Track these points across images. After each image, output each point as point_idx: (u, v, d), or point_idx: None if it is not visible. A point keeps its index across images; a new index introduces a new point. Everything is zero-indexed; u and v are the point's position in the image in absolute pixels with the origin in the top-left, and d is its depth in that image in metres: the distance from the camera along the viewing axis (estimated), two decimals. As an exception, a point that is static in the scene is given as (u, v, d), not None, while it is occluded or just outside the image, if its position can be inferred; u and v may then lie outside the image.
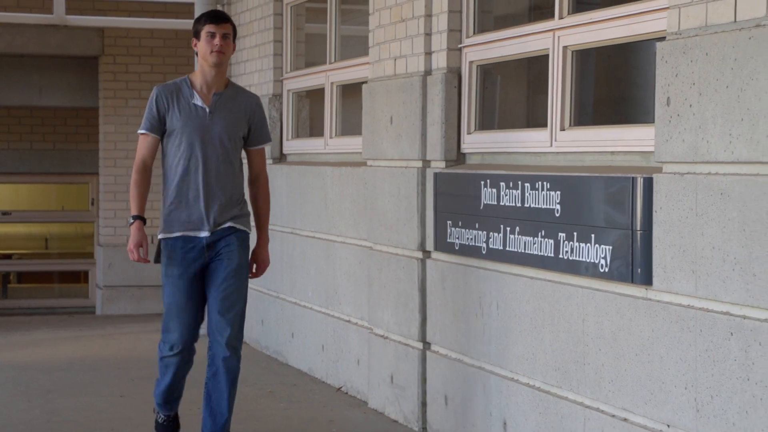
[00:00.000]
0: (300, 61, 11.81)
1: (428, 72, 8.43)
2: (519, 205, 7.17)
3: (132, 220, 7.59)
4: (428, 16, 8.39)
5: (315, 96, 11.46)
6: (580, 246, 6.57)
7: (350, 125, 10.49)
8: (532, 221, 7.03)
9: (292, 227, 11.22)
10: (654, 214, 5.98)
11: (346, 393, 9.84)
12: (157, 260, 7.62)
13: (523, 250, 7.13)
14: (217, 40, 7.40)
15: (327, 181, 10.47)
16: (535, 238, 7.00)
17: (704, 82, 5.59)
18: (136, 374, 10.72)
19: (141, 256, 7.53)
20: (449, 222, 8.05)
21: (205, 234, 7.50)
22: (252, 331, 12.35)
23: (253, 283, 12.25)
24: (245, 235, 7.65)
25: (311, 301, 10.78)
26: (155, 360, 11.44)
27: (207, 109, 7.50)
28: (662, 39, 5.94)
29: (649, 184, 6.02)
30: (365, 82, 9.47)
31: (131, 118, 17.00)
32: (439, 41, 8.30)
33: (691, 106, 5.69)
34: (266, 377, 10.59)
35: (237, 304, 7.57)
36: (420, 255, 8.48)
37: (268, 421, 8.85)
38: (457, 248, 7.96)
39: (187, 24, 13.86)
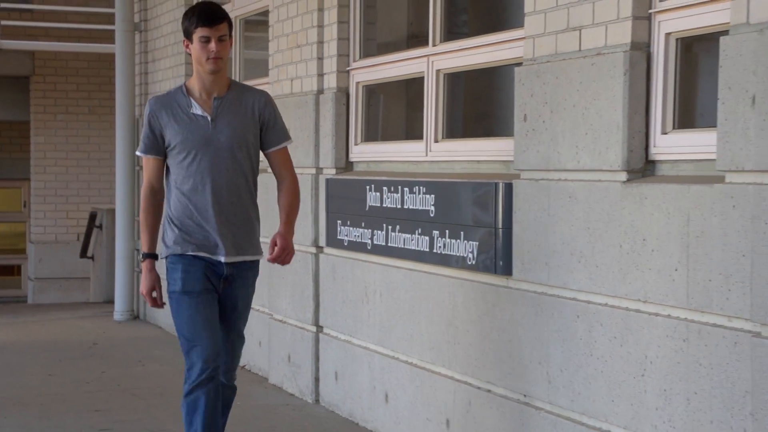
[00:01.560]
0: (209, 81, 11.77)
1: (321, 91, 8.45)
2: (399, 206, 7.20)
3: (142, 259, 6.02)
4: (320, 42, 8.42)
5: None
6: (451, 242, 6.62)
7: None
8: (410, 221, 7.05)
9: (202, 226, 11.20)
10: (513, 214, 6.03)
11: (249, 371, 9.82)
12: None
13: (402, 246, 7.15)
14: (212, 46, 5.78)
15: (233, 186, 10.43)
16: (413, 235, 7.03)
17: (555, 101, 5.66)
18: (63, 356, 10.63)
19: (156, 302, 6.01)
20: (339, 221, 8.07)
21: (222, 259, 5.90)
22: (167, 317, 12.28)
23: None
24: (258, 265, 6.24)
25: (219, 291, 10.77)
26: (80, 342, 11.49)
27: (208, 118, 5.89)
28: (520, 64, 6.01)
29: (509, 188, 6.07)
30: (266, 100, 9.45)
31: (59, 131, 17.09)
32: (330, 64, 8.33)
33: (544, 122, 5.76)
34: (180, 359, 10.46)
35: (239, 342, 6.22)
36: (314, 250, 8.51)
37: (181, 396, 8.83)
38: (346, 244, 7.98)
39: (109, 48, 13.89)
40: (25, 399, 8.68)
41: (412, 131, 7.72)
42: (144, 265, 5.97)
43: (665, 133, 5.21)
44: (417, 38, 7.74)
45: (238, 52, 10.86)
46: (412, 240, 7.05)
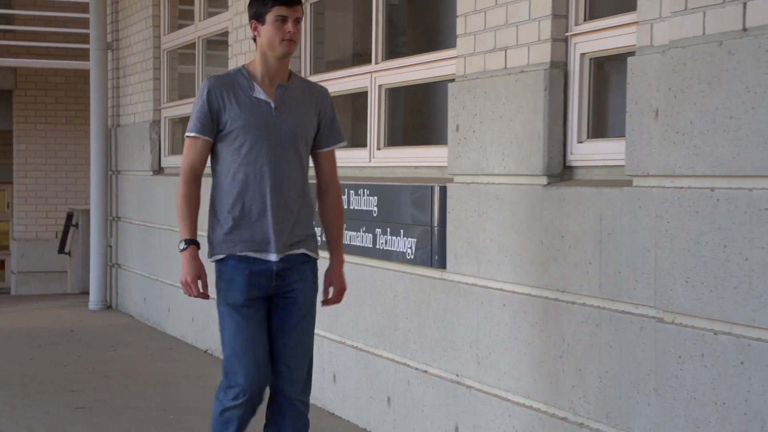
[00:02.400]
0: (174, 94, 11.73)
1: (275, 104, 8.46)
2: (346, 207, 7.12)
3: (184, 245, 4.90)
4: (275, 60, 8.44)
5: (186, 122, 11.40)
6: (392, 239, 6.63)
7: (214, 145, 10.45)
8: (356, 220, 7.05)
9: (168, 225, 11.15)
10: (447, 214, 6.05)
11: (212, 354, 9.77)
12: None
13: (349, 242, 7.11)
14: (289, 26, 4.85)
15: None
16: (358, 233, 7.04)
17: (484, 113, 5.69)
18: (42, 341, 10.56)
19: (200, 291, 4.91)
20: (291, 220, 8.06)
21: (273, 257, 4.90)
22: (137, 306, 12.27)
23: (137, 267, 12.28)
24: (316, 265, 5.14)
25: (184, 283, 10.73)
26: (58, 329, 11.43)
27: (272, 104, 4.90)
28: (452, 80, 6.03)
29: (443, 191, 6.09)
30: (226, 111, 9.41)
31: (39, 139, 17.08)
32: (284, 80, 8.33)
33: (474, 131, 5.78)
34: (148, 343, 10.54)
35: (309, 352, 5.10)
36: (269, 246, 8.48)
37: (150, 377, 8.81)
38: (297, 241, 7.97)
39: (84, 65, 13.84)
40: (8, 380, 8.62)
41: (357, 140, 7.73)
42: (186, 253, 4.89)
43: (581, 142, 5.25)
44: (361, 57, 7.75)
45: (201, 68, 10.85)
46: (358, 237, 7.06)
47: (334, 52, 8.43)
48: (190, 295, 4.91)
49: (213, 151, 4.97)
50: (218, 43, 10.45)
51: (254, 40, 4.99)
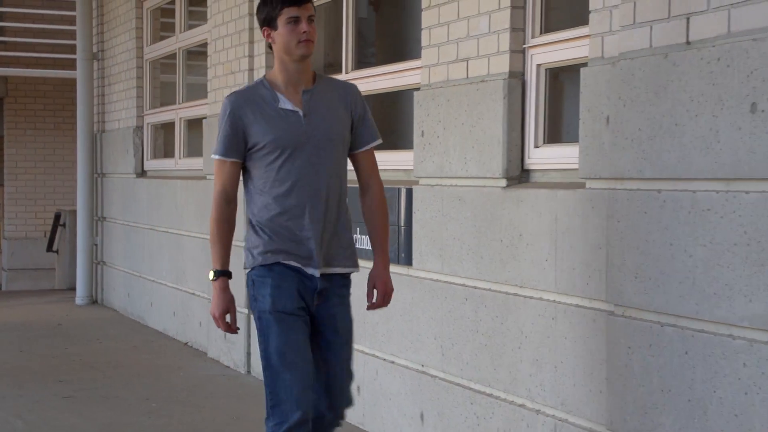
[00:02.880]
0: (156, 102, 11.70)
1: (251, 111, 8.44)
2: (317, 208, 7.21)
3: (215, 276, 4.36)
4: (251, 69, 8.40)
5: (168, 127, 11.40)
6: (362, 238, 6.57)
7: (194, 149, 10.46)
8: (327, 220, 7.06)
9: (151, 225, 11.14)
10: (413, 214, 6.06)
11: (191, 347, 9.79)
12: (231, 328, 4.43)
13: (320, 241, 7.17)
14: (303, 26, 4.31)
15: (177, 191, 10.39)
16: (329, 232, 7.04)
17: (447, 120, 5.71)
18: (32, 334, 10.51)
19: (228, 327, 4.39)
20: (267, 220, 8.04)
21: (315, 272, 4.34)
22: (121, 301, 12.23)
23: (121, 265, 12.25)
24: (350, 279, 4.59)
25: (165, 279, 10.72)
26: (47, 323, 11.38)
27: (300, 113, 4.35)
28: (418, 89, 6.04)
29: (410, 193, 6.10)
30: (205, 118, 9.42)
31: (28, 144, 17.02)
32: (259, 88, 8.32)
33: (438, 137, 5.80)
34: (132, 336, 10.51)
35: (351, 376, 4.59)
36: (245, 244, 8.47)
37: (134, 368, 8.79)
38: (272, 240, 7.96)
39: (71, 74, 13.79)
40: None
41: (329, 145, 7.72)
42: (217, 285, 4.35)
43: (537, 147, 5.27)
44: (332, 66, 7.76)
45: (181, 77, 10.84)
46: (329, 236, 7.04)
47: (307, 62, 8.41)
48: (220, 328, 4.41)
49: (244, 168, 4.42)
50: (198, 53, 10.43)
51: (269, 48, 4.45)
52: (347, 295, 4.54)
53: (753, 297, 3.65)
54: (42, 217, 17.19)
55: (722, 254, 3.78)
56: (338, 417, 4.56)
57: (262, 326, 4.32)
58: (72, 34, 13.76)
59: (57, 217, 14.80)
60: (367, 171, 4.63)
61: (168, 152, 11.40)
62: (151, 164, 11.69)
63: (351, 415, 6.80)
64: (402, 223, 6.16)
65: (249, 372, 8.48)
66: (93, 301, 13.09)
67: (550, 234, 4.93)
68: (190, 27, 10.62)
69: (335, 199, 4.42)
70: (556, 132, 5.34)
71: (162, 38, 11.47)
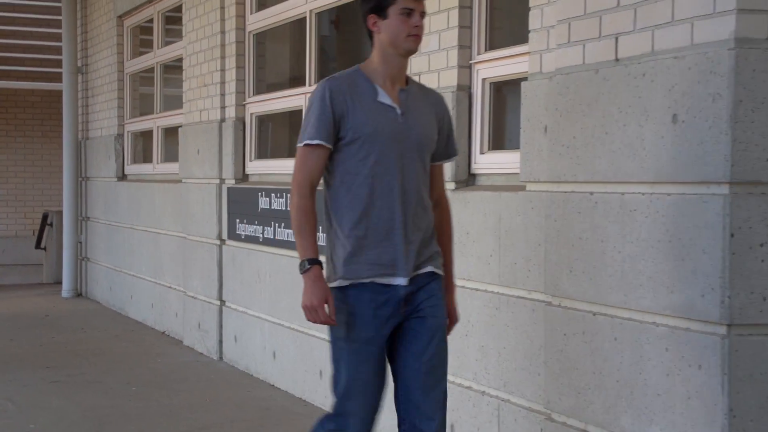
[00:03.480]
0: (136, 112, 11.62)
1: (223, 120, 8.41)
2: (283, 208, 7.17)
3: (307, 266, 3.68)
4: (222, 83, 8.39)
5: (146, 135, 11.34)
6: (323, 235, 6.64)
7: (171, 155, 10.41)
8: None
9: (131, 224, 11.06)
10: (370, 214, 6.07)
11: (168, 335, 9.73)
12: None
13: (286, 239, 7.14)
14: (416, 19, 3.71)
15: (155, 193, 10.33)
16: (294, 231, 7.02)
17: (401, 129, 5.72)
18: (21, 324, 10.39)
19: (327, 317, 3.69)
20: (237, 220, 8.03)
21: (401, 281, 3.72)
22: (103, 294, 12.15)
23: (103, 261, 12.17)
24: (441, 282, 3.91)
25: (144, 274, 10.66)
26: (35, 314, 11.28)
27: (398, 110, 3.75)
28: (375, 100, 6.07)
29: (367, 195, 6.11)
30: (181, 126, 9.38)
31: (18, 150, 17.03)
32: (230, 100, 8.27)
33: (393, 144, 5.81)
34: (113, 326, 10.43)
35: (445, 377, 3.88)
36: (218, 242, 8.45)
37: (115, 354, 8.73)
38: (243, 237, 7.95)
39: (58, 86, 13.71)
40: (-9, 359, 8.54)
41: (293, 151, 7.69)
42: (311, 275, 3.67)
43: (483, 153, 5.28)
44: (297, 80, 7.75)
45: (159, 89, 10.79)
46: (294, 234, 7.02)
47: (274, 76, 8.43)
48: (314, 321, 3.72)
49: (331, 161, 3.75)
50: (174, 67, 10.38)
51: (370, 37, 3.81)
52: (436, 289, 3.83)
53: (674, 288, 3.69)
54: (31, 217, 17.07)
55: (647, 250, 3.81)
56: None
57: (335, 351, 3.80)
58: (58, 50, 13.67)
59: (44, 217, 14.68)
60: (441, 185, 4.00)
61: (146, 158, 11.33)
62: (131, 169, 11.61)
63: (314, 396, 6.81)
64: (360, 223, 6.14)
65: (221, 358, 8.44)
66: (78, 294, 12.99)
67: (495, 232, 4.95)
68: (167, 43, 10.57)
69: (423, 205, 3.80)
70: (500, 140, 5.35)
71: (141, 54, 11.41)
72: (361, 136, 3.70)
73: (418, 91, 3.90)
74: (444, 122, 3.94)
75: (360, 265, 3.69)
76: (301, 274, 3.70)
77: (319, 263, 3.69)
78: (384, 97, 3.75)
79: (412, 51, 3.77)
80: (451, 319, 3.96)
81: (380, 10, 3.74)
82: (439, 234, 3.94)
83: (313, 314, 3.69)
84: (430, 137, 3.85)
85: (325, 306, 3.68)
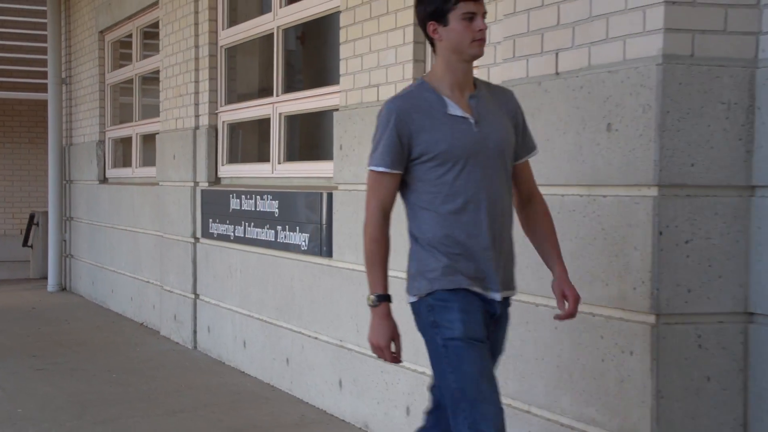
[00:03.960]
0: (116, 120, 11.55)
1: (197, 127, 8.38)
2: (253, 209, 7.17)
3: (376, 302, 3.35)
4: (196, 93, 8.36)
5: (126, 141, 11.26)
6: (290, 234, 6.62)
7: (149, 159, 10.35)
8: (261, 219, 7.02)
9: (111, 224, 10.99)
10: (333, 214, 6.05)
11: (147, 326, 9.68)
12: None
13: (256, 237, 7.13)
14: (480, 23, 3.25)
15: (134, 195, 10.28)
16: (263, 230, 7.00)
17: (362, 136, 5.69)
18: (9, 317, 10.28)
19: (393, 358, 3.35)
20: (210, 219, 7.99)
21: (496, 296, 3.31)
22: (86, 288, 12.06)
23: (86, 257, 12.08)
24: (509, 309, 3.49)
25: (124, 270, 10.59)
26: (22, 307, 11.20)
27: (471, 119, 3.29)
28: (337, 110, 6.03)
29: (330, 197, 6.08)
30: (158, 133, 9.33)
31: (7, 155, 17.07)
32: (204, 108, 8.24)
33: (354, 150, 5.79)
34: (95, 318, 10.36)
35: None
36: (192, 240, 8.42)
37: (97, 344, 8.66)
38: (215, 236, 7.91)
39: (43, 96, 13.60)
40: (-19, 350, 8.46)
41: (262, 156, 7.71)
42: (379, 312, 3.32)
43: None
44: (265, 90, 7.73)
45: (137, 99, 10.73)
46: (263, 233, 7.03)
47: (244, 87, 8.41)
48: (382, 358, 3.35)
49: (405, 180, 3.32)
50: (151, 79, 10.33)
51: (431, 44, 3.38)
52: (507, 322, 3.49)
53: (609, 282, 3.72)
54: (18, 217, 16.94)
55: (585, 247, 3.85)
56: None
57: (449, 354, 3.22)
58: (44, 63, 13.56)
59: (31, 217, 14.55)
60: (530, 180, 3.54)
61: (126, 162, 11.27)
62: (111, 172, 11.54)
63: (281, 382, 6.81)
64: (324, 222, 6.16)
65: (195, 348, 8.41)
66: (62, 289, 12.89)
67: (446, 231, 4.94)
68: (145, 57, 10.52)
69: (508, 216, 3.37)
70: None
71: (121, 66, 11.34)
72: (437, 154, 3.23)
73: (487, 93, 3.40)
74: (518, 118, 3.47)
75: (458, 275, 3.24)
76: (369, 307, 3.33)
77: (388, 299, 3.33)
78: (454, 109, 3.29)
79: (478, 56, 3.30)
80: (576, 297, 3.39)
81: (440, 17, 3.27)
82: (540, 224, 3.50)
83: (378, 353, 3.32)
84: (509, 141, 3.38)
85: (392, 345, 3.32)
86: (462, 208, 3.25)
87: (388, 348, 3.29)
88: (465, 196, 3.25)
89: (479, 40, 3.26)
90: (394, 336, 3.34)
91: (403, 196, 3.38)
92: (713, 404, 3.58)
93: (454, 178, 3.25)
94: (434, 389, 3.49)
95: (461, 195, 3.25)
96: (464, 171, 3.25)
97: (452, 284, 3.24)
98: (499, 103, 3.41)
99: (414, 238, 3.37)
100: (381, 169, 3.31)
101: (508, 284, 3.37)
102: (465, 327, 3.22)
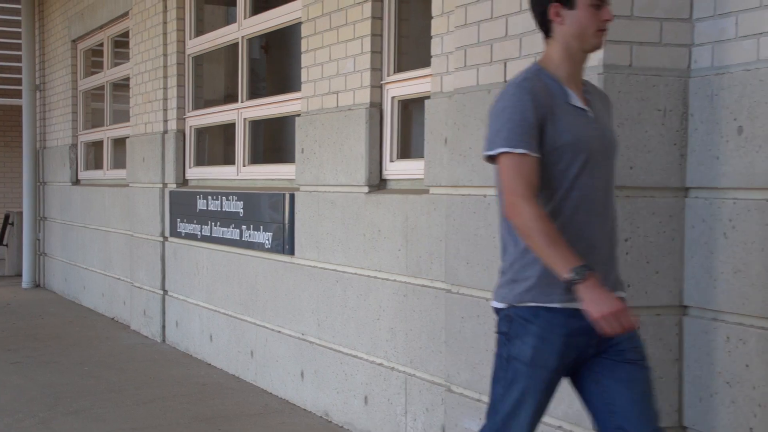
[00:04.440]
0: (88, 124, 11.44)
1: (165, 132, 8.32)
2: (219, 209, 7.13)
3: (584, 273, 2.64)
4: (165, 99, 8.30)
5: (98, 145, 11.15)
6: (254, 233, 6.61)
7: (119, 162, 10.26)
8: (227, 219, 6.99)
9: (83, 223, 10.88)
10: (296, 214, 6.03)
11: (117, 321, 9.59)
12: None
13: (221, 236, 7.09)
14: (607, 13, 2.85)
15: (105, 196, 10.17)
16: (228, 229, 6.98)
17: (322, 139, 5.70)
18: (-15, 314, 10.26)
19: (631, 320, 2.69)
20: (178, 219, 7.95)
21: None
22: (59, 285, 11.92)
23: (59, 256, 11.95)
24: None
25: (96, 267, 10.49)
26: (0, 304, 11.01)
27: (589, 113, 2.88)
28: (299, 115, 6.00)
29: (293, 197, 6.06)
30: (128, 137, 9.24)
31: None
32: (172, 114, 8.18)
33: (315, 153, 5.78)
34: (68, 313, 10.25)
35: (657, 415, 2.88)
36: (161, 239, 8.36)
37: (69, 338, 8.57)
38: (183, 235, 7.87)
39: (18, 102, 13.44)
40: (-42, 344, 8.33)
41: (228, 159, 7.67)
42: (590, 282, 2.65)
43: (392, 161, 5.30)
44: (231, 97, 7.70)
45: (109, 104, 10.63)
46: (228, 232, 6.99)
47: (210, 93, 8.36)
48: (619, 329, 2.67)
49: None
50: (122, 85, 10.24)
51: (544, 28, 2.91)
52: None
53: (555, 277, 3.74)
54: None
55: (532, 245, 3.85)
56: None
57: (508, 374, 2.86)
58: (18, 70, 13.43)
59: (6, 217, 14.36)
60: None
61: (98, 165, 11.16)
62: (83, 174, 11.42)
63: (246, 374, 6.77)
64: (286, 222, 6.14)
65: (164, 341, 8.34)
66: (36, 285, 12.74)
67: (402, 230, 4.96)
68: (116, 64, 10.43)
69: (615, 215, 2.96)
70: (407, 149, 5.38)
71: (92, 73, 11.24)
72: (561, 146, 2.78)
73: (593, 91, 3.00)
74: (611, 122, 3.07)
75: (554, 288, 2.75)
76: (576, 284, 2.67)
77: (591, 267, 2.71)
78: (575, 100, 2.86)
79: (598, 47, 2.90)
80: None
81: (568, 1, 2.85)
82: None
83: (617, 320, 2.66)
84: (617, 142, 2.99)
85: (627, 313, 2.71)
86: (579, 207, 2.80)
87: (625, 310, 2.68)
88: (580, 194, 2.80)
89: (602, 31, 2.86)
90: (625, 305, 2.73)
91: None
92: (651, 391, 3.60)
93: (576, 174, 2.80)
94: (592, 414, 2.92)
95: (578, 192, 2.80)
96: (586, 167, 2.81)
97: (545, 298, 2.79)
98: (605, 105, 3.03)
99: (512, 236, 2.84)
100: (519, 150, 2.73)
101: (618, 287, 2.91)
102: (535, 353, 2.82)
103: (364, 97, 5.32)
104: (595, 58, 3.51)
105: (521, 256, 2.82)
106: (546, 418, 3.76)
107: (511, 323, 2.86)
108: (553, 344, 2.79)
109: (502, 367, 2.90)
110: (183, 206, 7.87)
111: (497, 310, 2.93)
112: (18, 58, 13.64)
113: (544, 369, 2.81)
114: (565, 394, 3.64)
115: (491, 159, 2.81)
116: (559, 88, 2.83)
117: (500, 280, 2.92)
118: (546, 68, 2.86)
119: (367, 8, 5.24)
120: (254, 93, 7.43)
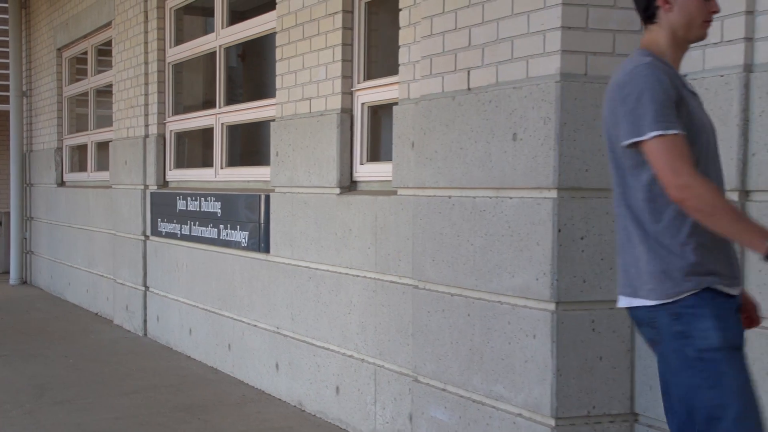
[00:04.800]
0: (73, 129, 11.34)
1: (147, 136, 8.27)
2: (198, 209, 7.09)
3: None
4: (146, 104, 8.24)
5: (82, 148, 11.06)
6: (231, 232, 6.58)
7: (103, 165, 10.18)
8: (205, 219, 6.95)
9: (68, 223, 10.79)
10: (271, 214, 6.00)
11: (101, 316, 9.51)
12: None
13: (200, 235, 7.05)
14: (715, 4, 2.61)
15: (89, 197, 10.09)
16: (207, 228, 6.94)
17: (295, 143, 5.68)
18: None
19: None
20: (159, 219, 7.90)
21: (738, 293, 2.53)
22: (45, 282, 11.81)
23: (45, 254, 11.83)
24: None
25: (80, 265, 10.40)
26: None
27: (700, 99, 2.67)
28: (274, 120, 5.98)
29: (268, 198, 6.04)
30: (111, 141, 9.17)
31: None
32: (153, 119, 8.12)
33: (289, 156, 5.76)
34: (54, 308, 10.14)
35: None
36: (143, 238, 8.30)
37: (56, 332, 8.49)
38: (164, 234, 7.82)
39: (5, 107, 13.26)
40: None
41: (206, 161, 7.63)
42: None
43: (362, 164, 5.29)
44: (209, 103, 7.66)
45: (92, 109, 10.54)
46: (207, 231, 6.95)
47: (190, 100, 8.31)
48: None
49: (642, 161, 2.49)
50: (105, 92, 10.16)
51: (650, 16, 2.62)
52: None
53: (515, 273, 3.76)
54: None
55: (494, 243, 3.87)
56: None
57: (706, 368, 2.42)
58: (6, 77, 13.26)
59: (-6, 217, 14.23)
60: None
61: (82, 167, 11.07)
62: (68, 176, 11.31)
63: (223, 366, 6.74)
64: (262, 221, 6.12)
65: (146, 335, 8.28)
66: (23, 282, 12.62)
67: (372, 229, 4.96)
68: (99, 72, 10.34)
69: None
70: (376, 153, 5.37)
71: (77, 80, 11.14)
72: (693, 129, 2.50)
73: None
74: None
75: (705, 276, 2.46)
76: None
77: None
78: (690, 85, 2.62)
79: (703, 38, 2.65)
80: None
81: None
82: None
83: None
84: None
85: None
86: None
87: None
88: (711, 177, 2.52)
89: (708, 22, 2.63)
90: None
91: (629, 183, 2.54)
92: (605, 380, 3.63)
93: (703, 164, 2.51)
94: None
95: (709, 176, 2.51)
96: (707, 154, 2.55)
97: (720, 283, 2.48)
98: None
99: (643, 229, 2.51)
100: (674, 131, 2.42)
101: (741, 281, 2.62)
102: (724, 334, 2.45)
103: (336, 103, 5.31)
104: (553, 67, 3.53)
105: (659, 248, 2.48)
106: (506, 406, 3.78)
107: (680, 319, 2.46)
108: (732, 319, 2.47)
109: (696, 370, 2.44)
110: (163, 207, 7.82)
111: (646, 310, 2.52)
112: (5, 66, 13.49)
113: (735, 348, 2.45)
114: (525, 381, 3.66)
115: (633, 145, 2.47)
116: (676, 75, 2.56)
117: (642, 277, 2.51)
118: (657, 53, 2.59)
119: (338, 19, 5.23)
120: (231, 99, 7.39)
